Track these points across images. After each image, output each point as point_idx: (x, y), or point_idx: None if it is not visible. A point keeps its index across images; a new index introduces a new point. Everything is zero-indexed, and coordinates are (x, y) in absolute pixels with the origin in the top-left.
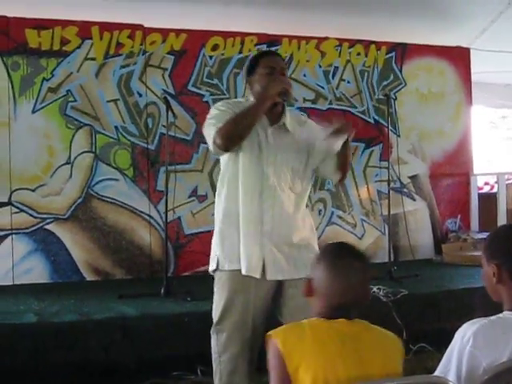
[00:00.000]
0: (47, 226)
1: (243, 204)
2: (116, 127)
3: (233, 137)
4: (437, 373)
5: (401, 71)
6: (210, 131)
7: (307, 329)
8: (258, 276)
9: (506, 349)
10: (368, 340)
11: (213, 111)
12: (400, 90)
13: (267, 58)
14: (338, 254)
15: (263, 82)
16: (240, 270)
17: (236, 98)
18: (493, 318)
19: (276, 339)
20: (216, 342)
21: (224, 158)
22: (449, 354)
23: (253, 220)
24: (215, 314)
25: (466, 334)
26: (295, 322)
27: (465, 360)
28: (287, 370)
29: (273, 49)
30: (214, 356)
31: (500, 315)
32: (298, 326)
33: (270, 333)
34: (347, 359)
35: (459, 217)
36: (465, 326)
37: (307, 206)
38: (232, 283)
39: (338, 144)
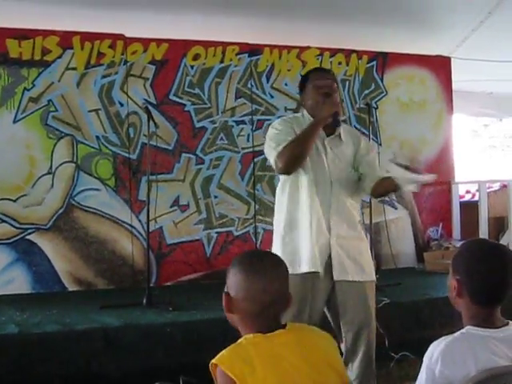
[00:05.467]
0: (29, 237)
1: (310, 209)
2: (97, 137)
3: (292, 161)
4: None
5: (382, 80)
6: (271, 154)
7: (251, 350)
8: (322, 272)
9: (474, 364)
10: (311, 344)
11: (271, 131)
12: (381, 98)
13: (317, 74)
14: (248, 257)
15: (314, 98)
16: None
17: (217, 106)
18: (456, 334)
19: (222, 367)
20: None
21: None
22: (420, 376)
23: (321, 224)
24: None
25: (433, 355)
26: (233, 344)
27: (438, 380)
28: None
29: (254, 58)
30: None
31: (463, 331)
32: (241, 349)
33: (213, 361)
34: (302, 372)
35: (441, 225)
36: (431, 347)
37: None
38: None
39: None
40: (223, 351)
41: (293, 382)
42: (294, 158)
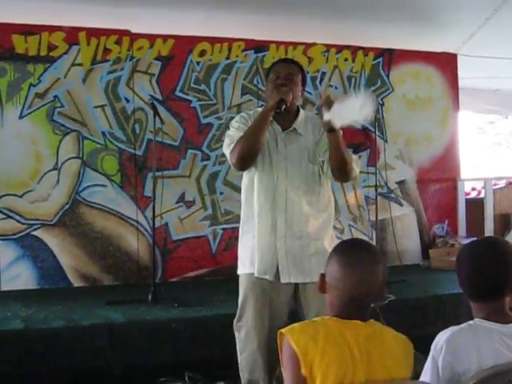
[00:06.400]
0: (34, 232)
1: (258, 210)
2: (103, 133)
3: (242, 157)
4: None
5: (388, 77)
6: (226, 153)
7: (321, 328)
8: (271, 279)
9: (478, 355)
10: (380, 344)
11: (229, 130)
12: (387, 95)
13: (277, 65)
14: (349, 247)
15: (269, 88)
16: (253, 273)
17: (223, 103)
18: (463, 325)
19: (289, 337)
20: (237, 340)
21: None
22: (426, 365)
23: (267, 225)
24: (237, 313)
25: (438, 343)
26: (307, 320)
27: (440, 369)
28: (301, 368)
29: (260, 54)
30: (238, 353)
31: (470, 322)
32: (312, 325)
33: (282, 330)
34: (358, 362)
35: (446, 222)
36: (438, 335)
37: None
38: (247, 285)
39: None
40: (296, 324)
41: (346, 370)
42: (244, 153)
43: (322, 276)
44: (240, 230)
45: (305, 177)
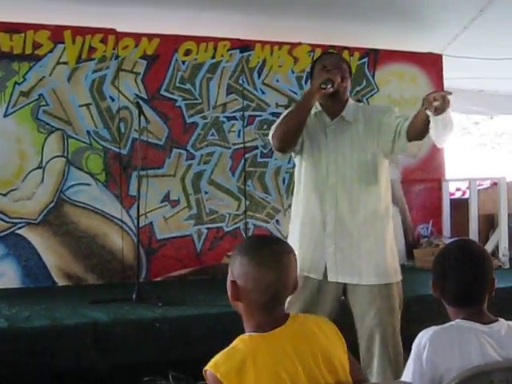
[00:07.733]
0: (19, 231)
1: (304, 207)
2: (88, 132)
3: (283, 137)
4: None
5: (373, 77)
6: (270, 137)
7: (247, 356)
8: (318, 277)
9: (460, 354)
10: (306, 340)
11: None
12: (372, 95)
13: (324, 58)
14: (258, 247)
15: (317, 76)
16: (301, 273)
17: (208, 102)
18: (446, 325)
19: (217, 374)
20: None
21: (295, 160)
22: (408, 363)
23: (314, 222)
24: None
25: (421, 341)
26: (228, 347)
27: (424, 367)
28: None
29: (245, 54)
30: None
31: (452, 322)
32: (236, 354)
33: (207, 367)
34: (296, 374)
35: (431, 222)
36: (420, 334)
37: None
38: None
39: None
40: (217, 357)
41: None
42: (283, 135)
43: (233, 283)
44: (290, 226)
45: (357, 167)
